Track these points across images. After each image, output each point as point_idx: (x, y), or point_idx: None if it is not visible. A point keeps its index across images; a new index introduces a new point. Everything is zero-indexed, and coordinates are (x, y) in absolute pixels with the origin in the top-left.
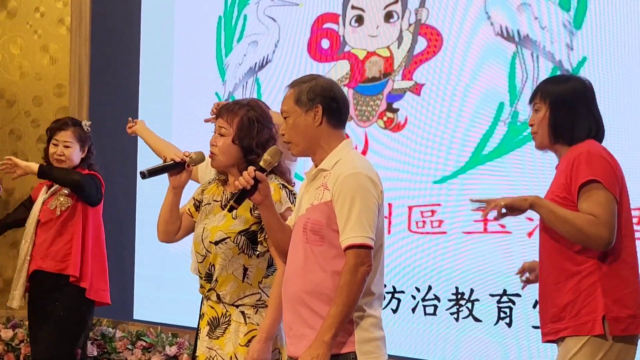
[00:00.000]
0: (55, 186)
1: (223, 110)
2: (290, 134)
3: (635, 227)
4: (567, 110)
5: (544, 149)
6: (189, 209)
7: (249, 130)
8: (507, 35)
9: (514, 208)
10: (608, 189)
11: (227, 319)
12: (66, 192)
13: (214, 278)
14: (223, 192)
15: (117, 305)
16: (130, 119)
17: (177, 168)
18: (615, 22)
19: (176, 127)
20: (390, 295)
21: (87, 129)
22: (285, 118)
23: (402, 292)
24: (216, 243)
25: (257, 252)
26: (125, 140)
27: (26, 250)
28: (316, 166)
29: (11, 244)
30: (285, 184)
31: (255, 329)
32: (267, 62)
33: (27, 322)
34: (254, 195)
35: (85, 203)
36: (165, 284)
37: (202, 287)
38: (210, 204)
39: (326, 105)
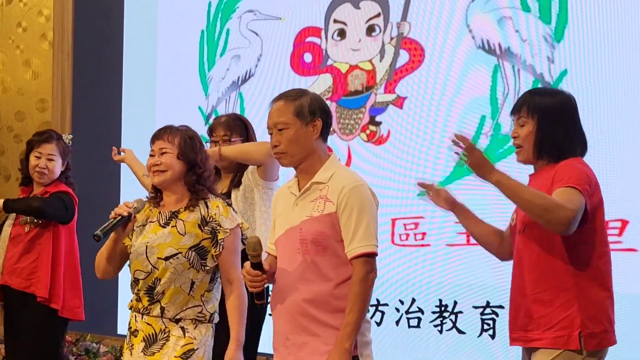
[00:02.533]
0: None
1: (160, 133)
2: (287, 145)
3: (617, 239)
4: (556, 127)
5: (528, 163)
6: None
7: (191, 146)
8: (489, 48)
9: (479, 168)
10: (583, 195)
11: (165, 335)
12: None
13: (160, 291)
14: (159, 212)
15: (100, 321)
16: (114, 148)
17: (126, 221)
18: (596, 35)
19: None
20: (374, 307)
21: (69, 142)
22: (280, 130)
23: (386, 304)
24: (166, 259)
25: (207, 268)
26: (107, 155)
27: None
28: (304, 180)
29: None
30: (228, 203)
31: (192, 343)
32: (250, 76)
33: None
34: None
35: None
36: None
37: (138, 301)
38: (145, 225)
39: (324, 119)
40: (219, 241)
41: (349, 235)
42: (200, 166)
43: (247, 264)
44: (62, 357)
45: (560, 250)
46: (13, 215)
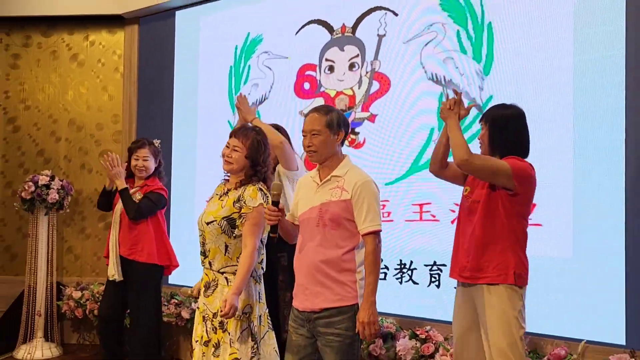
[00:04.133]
0: (135, 188)
1: (237, 132)
2: (318, 147)
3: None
4: (502, 132)
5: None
6: None
7: (257, 149)
8: (436, 79)
9: (444, 112)
10: (512, 173)
11: (215, 283)
12: (139, 197)
13: (207, 249)
14: (224, 187)
15: (182, 273)
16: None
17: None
18: (513, 71)
19: (200, 144)
20: None
21: (159, 146)
22: (313, 134)
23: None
24: (207, 223)
25: (234, 235)
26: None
27: (114, 239)
28: (325, 173)
29: (80, 229)
30: (262, 188)
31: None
32: (265, 99)
33: (91, 286)
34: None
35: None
36: (190, 258)
37: (201, 255)
38: (213, 197)
39: (346, 131)
40: (242, 214)
41: (361, 217)
42: (261, 165)
43: (269, 204)
44: (161, 304)
45: (501, 217)
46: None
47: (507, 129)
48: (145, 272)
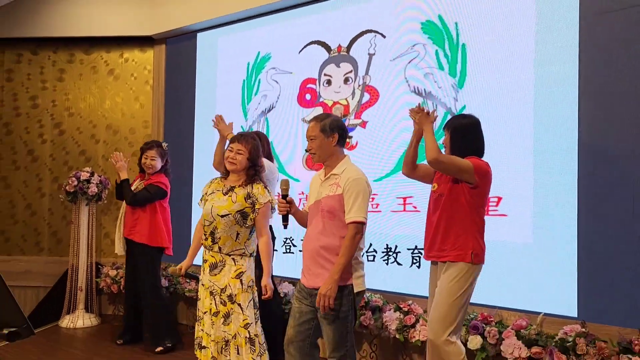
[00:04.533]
0: (136, 184)
1: (240, 138)
2: (316, 150)
3: (495, 208)
4: (461, 137)
5: None
6: (201, 206)
7: (257, 152)
8: (418, 92)
9: (422, 123)
10: (474, 170)
11: (222, 263)
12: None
13: (218, 236)
14: (224, 185)
15: (179, 255)
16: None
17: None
18: (482, 84)
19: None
20: None
21: (166, 148)
22: (311, 139)
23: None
24: (222, 216)
25: (246, 225)
26: (185, 152)
27: (120, 222)
28: (327, 172)
29: (115, 217)
30: (267, 187)
31: (241, 267)
32: (272, 108)
33: (124, 265)
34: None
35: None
36: None
37: (205, 240)
38: (214, 192)
39: (340, 133)
40: (256, 209)
41: (348, 208)
42: (259, 165)
43: (279, 196)
44: (159, 277)
45: (463, 206)
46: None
47: (465, 135)
48: (141, 250)
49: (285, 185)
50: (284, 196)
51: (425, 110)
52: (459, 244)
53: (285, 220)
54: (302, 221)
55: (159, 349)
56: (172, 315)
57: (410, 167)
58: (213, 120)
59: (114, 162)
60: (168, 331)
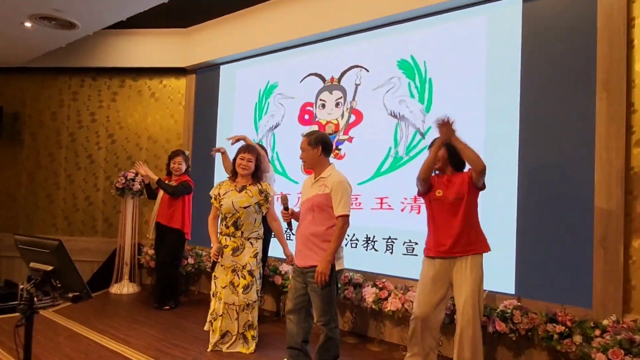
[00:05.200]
0: (172, 182)
1: (249, 149)
2: (305, 159)
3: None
4: (456, 152)
5: (442, 170)
6: (214, 205)
7: (260, 159)
8: (394, 114)
9: (447, 135)
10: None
11: (242, 246)
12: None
13: (241, 224)
14: (235, 185)
15: (202, 238)
16: (214, 148)
17: (285, 207)
18: (444, 110)
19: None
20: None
21: (188, 156)
22: (302, 151)
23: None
24: (244, 207)
25: (261, 212)
26: (209, 158)
27: (155, 211)
28: (316, 176)
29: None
30: (270, 185)
31: (256, 249)
32: (278, 125)
33: (154, 246)
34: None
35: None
36: None
37: (227, 228)
38: (227, 192)
39: (323, 146)
40: (269, 200)
41: (336, 205)
42: (261, 169)
43: (282, 210)
44: (182, 258)
45: (476, 207)
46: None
47: (457, 151)
48: (174, 234)
49: (284, 200)
50: (286, 208)
51: (450, 123)
52: (480, 239)
53: (289, 226)
54: (297, 218)
55: (166, 307)
56: (179, 284)
57: (431, 172)
58: (229, 139)
59: (140, 171)
60: (174, 294)
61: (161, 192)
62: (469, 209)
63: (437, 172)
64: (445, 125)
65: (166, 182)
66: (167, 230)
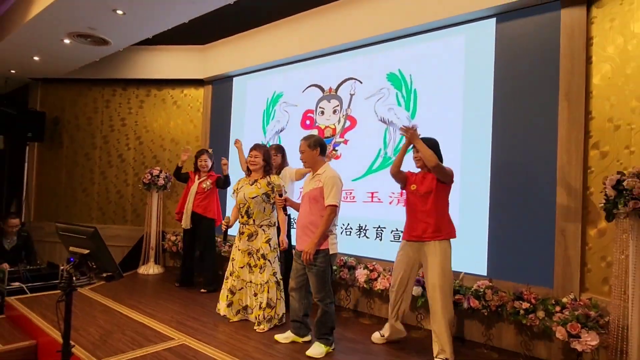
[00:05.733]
0: (203, 177)
1: (257, 147)
2: (306, 159)
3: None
4: (434, 151)
5: (422, 168)
6: (233, 197)
7: (268, 155)
8: (383, 120)
9: (412, 138)
10: (452, 175)
11: (256, 232)
12: (209, 182)
13: (252, 212)
14: (248, 179)
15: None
16: (237, 139)
17: (280, 198)
18: (427, 117)
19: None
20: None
21: (211, 153)
22: (302, 152)
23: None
24: (252, 198)
25: (269, 202)
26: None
27: (190, 203)
28: (313, 173)
29: (175, 201)
30: (278, 177)
31: (269, 235)
32: (283, 129)
33: (181, 234)
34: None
35: (217, 187)
36: None
37: (242, 218)
38: (242, 186)
39: (320, 147)
40: (275, 191)
41: (326, 196)
42: (270, 164)
43: (277, 196)
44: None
45: (445, 199)
46: (196, 182)
47: (436, 149)
48: (210, 224)
49: (279, 188)
50: (280, 195)
51: (414, 129)
52: (446, 226)
53: (284, 211)
54: (297, 208)
55: (203, 290)
56: (217, 268)
57: (398, 169)
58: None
59: (186, 153)
60: (213, 279)
61: (194, 186)
62: (437, 201)
63: (419, 169)
64: (408, 131)
65: (196, 177)
66: (202, 219)
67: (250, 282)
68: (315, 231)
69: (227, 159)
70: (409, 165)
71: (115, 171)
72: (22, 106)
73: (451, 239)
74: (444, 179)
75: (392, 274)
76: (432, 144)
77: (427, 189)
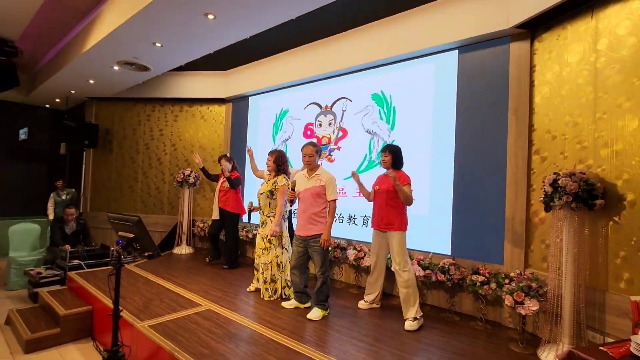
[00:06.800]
0: (223, 178)
1: (270, 152)
2: (311, 162)
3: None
4: (395, 157)
5: (387, 169)
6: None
7: (280, 160)
8: (369, 131)
9: (390, 181)
10: (409, 184)
11: (265, 222)
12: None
13: (263, 205)
14: (268, 181)
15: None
16: (249, 147)
17: (292, 190)
18: (404, 129)
19: (259, 162)
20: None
21: (229, 157)
22: (309, 156)
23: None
24: (261, 193)
25: (273, 198)
26: (241, 162)
27: (217, 199)
28: (311, 173)
29: (203, 196)
30: (285, 177)
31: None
32: (289, 138)
33: (208, 221)
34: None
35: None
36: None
37: (260, 209)
38: (263, 184)
39: (319, 153)
40: (276, 189)
41: (328, 193)
42: (282, 166)
43: (290, 190)
44: (237, 230)
45: (396, 200)
46: (220, 182)
47: (398, 155)
48: (230, 215)
49: (293, 184)
50: (293, 189)
51: (392, 176)
52: (399, 220)
53: (291, 203)
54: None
55: (225, 267)
56: (238, 251)
57: (369, 196)
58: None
59: (196, 158)
60: (234, 259)
61: (218, 185)
62: (392, 199)
63: (385, 169)
64: (387, 177)
65: (221, 178)
66: (224, 212)
67: (265, 263)
68: (318, 219)
69: (243, 162)
70: (379, 170)
71: (154, 171)
72: (80, 120)
73: (405, 231)
74: (405, 202)
75: (370, 258)
76: (396, 150)
77: (386, 187)
